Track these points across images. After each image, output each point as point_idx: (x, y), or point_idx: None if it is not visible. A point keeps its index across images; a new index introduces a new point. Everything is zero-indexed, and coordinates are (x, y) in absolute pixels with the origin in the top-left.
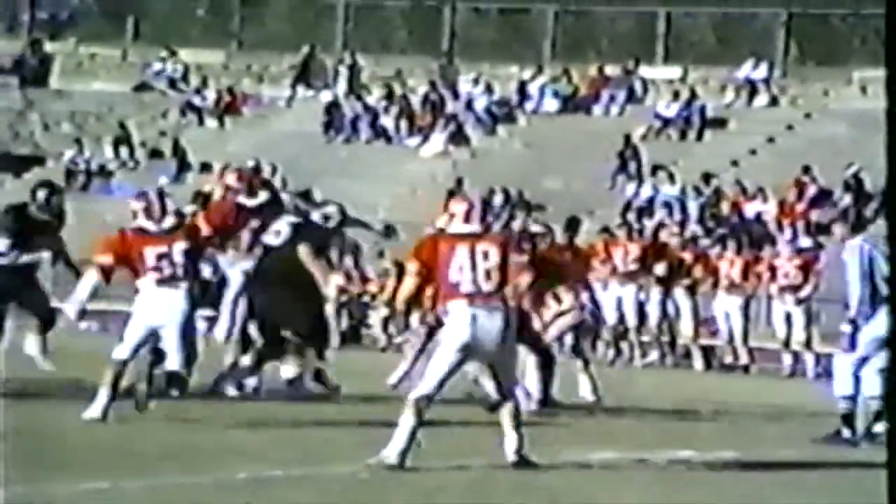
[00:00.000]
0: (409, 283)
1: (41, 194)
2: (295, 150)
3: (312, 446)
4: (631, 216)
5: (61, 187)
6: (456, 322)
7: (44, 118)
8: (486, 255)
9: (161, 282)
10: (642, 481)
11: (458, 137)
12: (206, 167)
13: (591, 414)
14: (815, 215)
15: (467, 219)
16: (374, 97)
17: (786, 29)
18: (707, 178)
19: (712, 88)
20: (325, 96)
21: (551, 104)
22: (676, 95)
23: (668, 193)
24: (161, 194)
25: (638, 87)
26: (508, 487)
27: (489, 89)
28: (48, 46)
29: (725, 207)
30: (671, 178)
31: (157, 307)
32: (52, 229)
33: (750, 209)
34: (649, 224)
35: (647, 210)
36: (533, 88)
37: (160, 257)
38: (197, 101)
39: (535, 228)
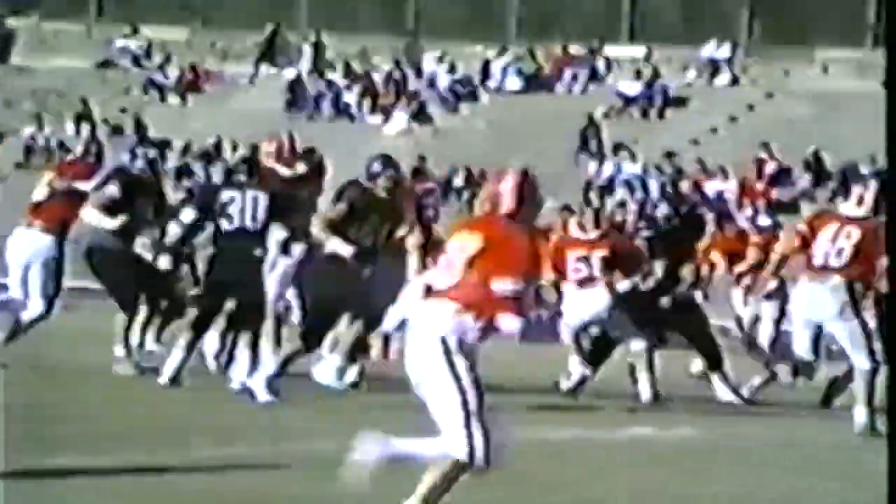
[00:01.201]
0: (789, 243)
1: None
2: (256, 128)
3: None
4: (592, 194)
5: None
6: (798, 294)
7: (5, 94)
8: (849, 235)
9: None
10: None
11: (421, 116)
12: (166, 144)
13: None
14: (775, 194)
15: (860, 202)
16: (337, 75)
17: (749, 9)
18: (669, 156)
19: (674, 67)
20: (289, 73)
21: (514, 83)
22: (639, 74)
23: (630, 172)
24: None
25: (601, 65)
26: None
27: (453, 68)
28: (11, 22)
29: (686, 186)
30: (632, 156)
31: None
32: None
33: (710, 187)
34: (610, 202)
35: (608, 189)
36: (496, 67)
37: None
38: (159, 78)
39: None
